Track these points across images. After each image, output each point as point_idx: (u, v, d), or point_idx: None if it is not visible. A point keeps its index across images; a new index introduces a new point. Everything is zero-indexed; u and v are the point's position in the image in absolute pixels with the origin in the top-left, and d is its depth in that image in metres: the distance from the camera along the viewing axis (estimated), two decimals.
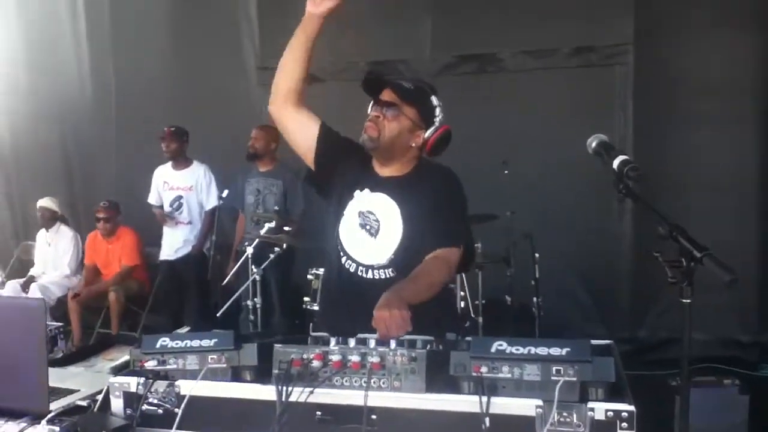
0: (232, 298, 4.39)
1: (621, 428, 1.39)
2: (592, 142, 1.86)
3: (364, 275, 2.12)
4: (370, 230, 2.12)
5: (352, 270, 2.14)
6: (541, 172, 4.87)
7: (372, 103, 2.18)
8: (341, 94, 4.53)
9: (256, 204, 4.92)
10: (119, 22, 6.20)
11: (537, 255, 4.30)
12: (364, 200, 2.16)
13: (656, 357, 4.46)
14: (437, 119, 2.17)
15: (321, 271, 3.70)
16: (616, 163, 1.74)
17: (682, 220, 1.56)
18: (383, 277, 2.10)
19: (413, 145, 2.16)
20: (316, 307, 3.93)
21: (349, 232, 2.16)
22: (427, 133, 2.15)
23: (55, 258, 5.92)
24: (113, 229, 5.56)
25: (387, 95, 2.14)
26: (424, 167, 2.21)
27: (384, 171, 2.19)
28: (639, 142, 4.79)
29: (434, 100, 2.18)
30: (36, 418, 1.66)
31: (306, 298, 4.10)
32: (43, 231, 5.98)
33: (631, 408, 1.39)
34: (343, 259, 2.17)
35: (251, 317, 4.44)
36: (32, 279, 5.83)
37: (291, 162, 5.05)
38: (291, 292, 4.64)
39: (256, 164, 4.96)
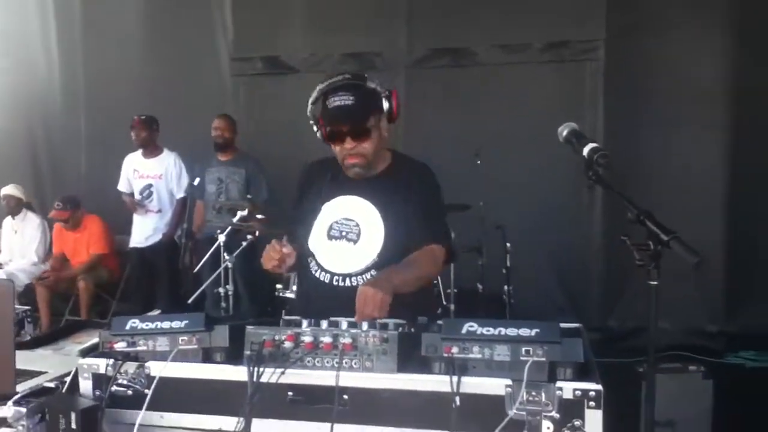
0: (204, 285, 4.38)
1: (589, 407, 1.41)
2: (563, 131, 1.87)
3: (341, 284, 2.10)
4: (349, 236, 2.10)
5: (326, 281, 2.12)
6: (513, 163, 4.94)
7: (324, 132, 2.10)
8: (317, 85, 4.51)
9: (218, 192, 4.92)
10: (90, 11, 6.12)
11: (508, 245, 4.36)
12: (338, 209, 2.13)
13: (625, 345, 4.54)
14: (382, 93, 2.11)
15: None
16: (585, 151, 1.75)
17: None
18: (360, 283, 2.05)
19: (386, 134, 2.15)
20: (289, 295, 3.93)
21: (319, 244, 2.13)
22: (386, 106, 2.10)
23: (21, 245, 5.82)
24: (77, 223, 5.49)
25: (344, 126, 2.06)
26: (398, 163, 2.19)
27: (357, 174, 2.15)
28: (609, 138, 4.85)
29: (370, 83, 2.10)
30: (2, 399, 1.64)
31: (278, 285, 4.09)
32: (9, 218, 5.88)
33: (599, 387, 1.41)
34: (316, 271, 2.14)
35: (223, 304, 4.43)
36: None
37: (259, 150, 5.07)
38: (261, 279, 4.63)
39: (216, 154, 4.96)
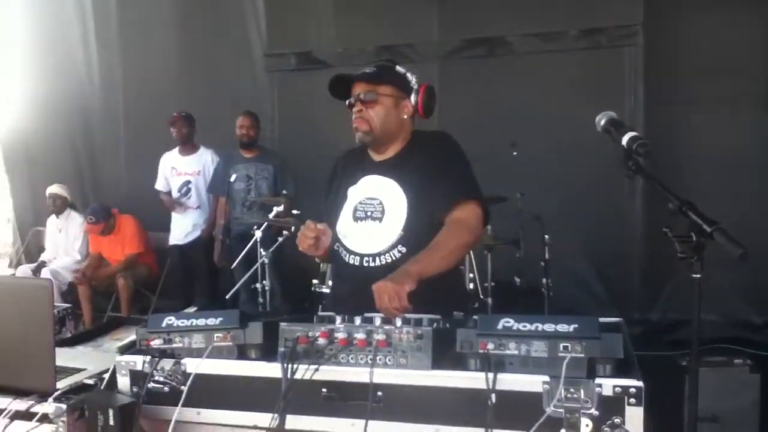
0: (241, 281, 4.42)
1: (629, 404, 1.38)
2: (601, 120, 1.83)
3: (371, 264, 2.09)
4: (374, 215, 2.10)
5: (357, 263, 2.12)
6: (550, 153, 4.85)
7: (347, 104, 2.17)
8: None
9: (247, 189, 4.96)
10: (125, 13, 6.22)
11: (546, 236, 4.28)
12: (362, 190, 2.15)
13: (667, 338, 4.43)
14: (413, 83, 2.16)
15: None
16: (625, 140, 1.70)
17: (694, 200, 1.53)
18: (390, 260, 2.06)
19: (405, 116, 2.16)
20: (325, 290, 3.93)
21: (346, 227, 2.14)
22: (413, 98, 2.14)
23: (65, 243, 5.96)
24: (111, 229, 5.58)
25: (357, 88, 2.13)
26: (416, 139, 2.20)
27: (380, 156, 2.19)
28: (649, 124, 4.73)
29: (400, 68, 2.17)
30: (43, 396, 1.68)
31: (315, 281, 4.10)
32: (53, 217, 6.02)
33: (640, 384, 1.37)
34: (346, 256, 2.15)
35: (260, 300, 4.47)
36: (43, 264, 5.88)
37: (293, 147, 5.09)
38: (295, 274, 4.65)
39: (239, 151, 5.00)
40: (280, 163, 5.02)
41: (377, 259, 2.09)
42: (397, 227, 2.07)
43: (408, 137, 2.20)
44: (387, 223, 2.09)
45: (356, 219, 2.13)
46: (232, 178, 4.95)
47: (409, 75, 2.16)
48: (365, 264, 2.10)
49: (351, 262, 2.13)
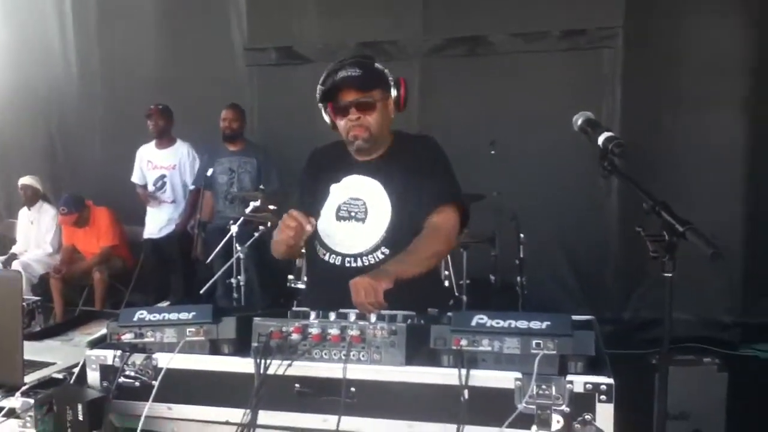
0: (216, 276, 4.39)
1: (600, 401, 1.39)
2: (578, 119, 1.84)
3: (353, 265, 2.09)
4: (358, 216, 2.10)
5: (338, 263, 2.11)
6: (528, 153, 4.88)
7: (330, 109, 2.11)
8: None
9: (230, 183, 4.92)
10: (105, 2, 6.13)
11: (522, 235, 4.31)
12: (345, 190, 2.13)
13: (640, 337, 4.48)
14: (390, 78, 2.14)
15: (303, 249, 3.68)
16: (601, 140, 1.71)
17: (669, 200, 1.55)
18: (373, 261, 2.06)
19: (392, 116, 2.16)
20: (300, 285, 3.92)
21: (328, 226, 2.13)
22: (394, 94, 2.12)
23: (37, 236, 5.87)
24: (85, 221, 5.50)
25: (349, 95, 2.07)
26: (400, 140, 2.20)
27: (363, 156, 2.17)
28: (628, 125, 4.78)
29: (378, 65, 2.14)
30: (10, 390, 1.65)
31: (290, 276, 4.09)
32: (25, 209, 5.93)
33: (610, 381, 1.38)
34: (325, 255, 2.14)
35: (235, 295, 4.44)
36: (14, 256, 5.79)
37: (273, 141, 5.06)
38: (272, 270, 4.63)
39: (224, 144, 4.96)
40: (263, 156, 4.98)
41: (359, 259, 2.08)
42: (380, 229, 2.07)
43: (390, 137, 2.19)
44: (370, 224, 2.08)
45: (339, 218, 2.12)
46: (215, 171, 4.91)
47: (386, 71, 2.15)
48: (347, 264, 2.09)
49: (331, 261, 2.12)
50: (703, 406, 3.02)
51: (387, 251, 2.06)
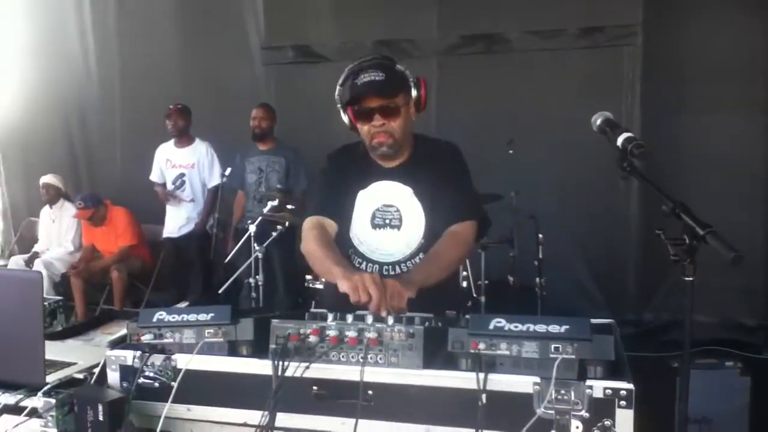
0: (234, 276, 4.40)
1: (619, 406, 1.37)
2: (597, 120, 1.82)
3: (390, 272, 2.09)
4: (393, 223, 2.09)
5: (376, 271, 2.09)
6: (546, 152, 4.84)
7: (351, 112, 2.08)
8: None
9: (258, 182, 4.93)
10: (124, 5, 6.19)
11: (541, 236, 4.28)
12: (376, 196, 2.12)
13: (661, 339, 4.44)
14: (411, 79, 2.09)
15: None
16: (620, 140, 1.69)
17: (689, 202, 1.53)
18: (410, 269, 2.06)
19: (413, 118, 2.14)
20: (318, 286, 3.93)
21: (364, 234, 2.12)
22: (414, 95, 2.09)
23: (59, 234, 5.94)
24: (102, 218, 5.57)
25: (374, 101, 2.04)
26: (423, 144, 2.18)
27: (388, 162, 2.14)
28: (647, 123, 4.74)
29: (399, 67, 2.10)
30: (32, 390, 1.66)
31: (308, 276, 4.09)
32: (47, 208, 6.00)
33: (630, 386, 1.37)
34: (361, 263, 2.13)
35: (253, 295, 4.46)
36: (36, 255, 5.86)
37: (289, 140, 5.07)
38: (294, 270, 4.64)
39: (255, 143, 4.97)
40: (293, 156, 4.95)
41: (397, 267, 2.09)
42: (416, 235, 2.07)
43: (411, 140, 2.16)
44: (406, 231, 2.08)
45: (375, 226, 2.11)
46: (247, 170, 4.94)
47: (406, 72, 2.11)
48: (384, 272, 2.09)
49: (368, 270, 2.10)
50: (726, 410, 2.98)
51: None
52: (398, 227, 2.09)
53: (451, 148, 2.18)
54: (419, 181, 2.09)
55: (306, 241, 2.05)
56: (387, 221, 2.10)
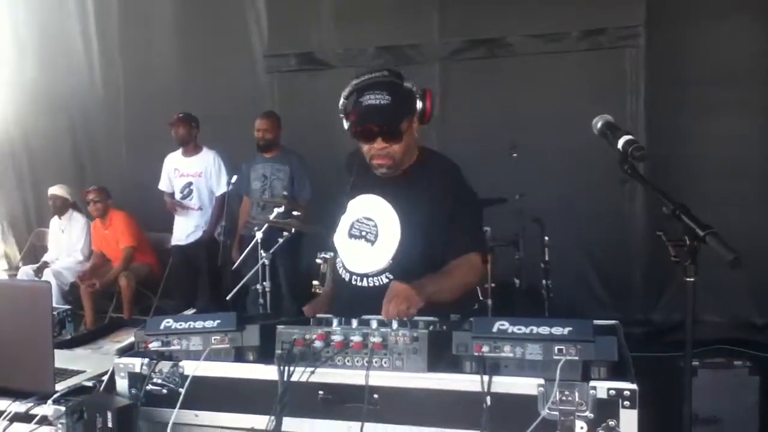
0: (241, 283, 4.42)
1: (623, 407, 1.38)
2: (597, 123, 1.83)
3: (359, 283, 2.10)
4: (368, 237, 2.08)
5: (347, 279, 2.14)
6: (550, 155, 4.84)
7: (353, 129, 2.05)
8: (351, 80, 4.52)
9: (263, 189, 4.95)
10: (127, 9, 6.22)
11: (546, 238, 4.28)
12: (360, 207, 2.12)
13: (669, 339, 4.42)
14: (416, 92, 2.06)
15: (329, 255, 3.69)
16: (620, 143, 1.71)
17: (693, 204, 1.54)
18: (378, 284, 2.05)
19: (416, 135, 2.11)
20: None
21: (342, 241, 2.14)
22: (420, 107, 2.05)
23: (68, 244, 5.98)
24: (105, 211, 5.62)
25: (376, 125, 2.02)
26: (427, 162, 2.14)
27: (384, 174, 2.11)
28: (651, 126, 4.74)
29: (407, 83, 2.06)
30: (42, 398, 1.68)
31: (315, 282, 4.10)
32: (56, 218, 6.04)
33: (633, 386, 1.38)
34: (341, 270, 2.17)
35: (260, 301, 4.47)
36: (46, 264, 5.90)
37: (293, 147, 5.09)
38: (300, 276, 4.65)
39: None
40: (297, 163, 4.94)
41: (365, 279, 2.09)
42: (386, 255, 2.04)
43: (415, 152, 2.14)
44: (378, 247, 2.06)
45: (351, 236, 2.11)
46: (251, 177, 4.97)
47: (414, 87, 2.06)
48: (353, 282, 2.12)
49: (343, 276, 2.16)
50: (734, 410, 2.97)
51: (391, 276, 2.03)
52: (372, 242, 2.06)
53: (451, 169, 2.14)
54: (409, 200, 2.06)
55: None
56: (363, 233, 2.08)
